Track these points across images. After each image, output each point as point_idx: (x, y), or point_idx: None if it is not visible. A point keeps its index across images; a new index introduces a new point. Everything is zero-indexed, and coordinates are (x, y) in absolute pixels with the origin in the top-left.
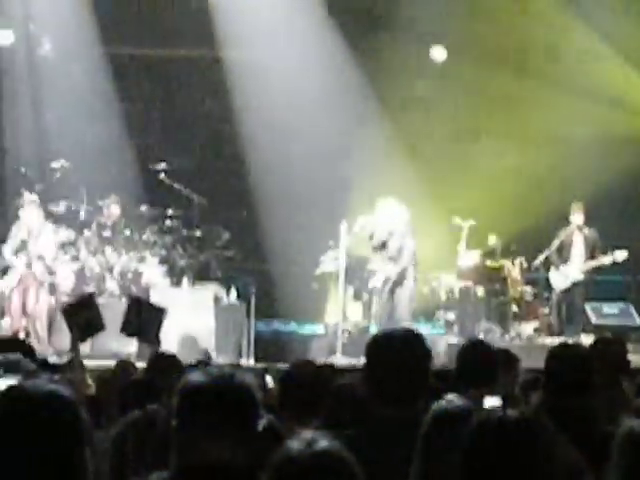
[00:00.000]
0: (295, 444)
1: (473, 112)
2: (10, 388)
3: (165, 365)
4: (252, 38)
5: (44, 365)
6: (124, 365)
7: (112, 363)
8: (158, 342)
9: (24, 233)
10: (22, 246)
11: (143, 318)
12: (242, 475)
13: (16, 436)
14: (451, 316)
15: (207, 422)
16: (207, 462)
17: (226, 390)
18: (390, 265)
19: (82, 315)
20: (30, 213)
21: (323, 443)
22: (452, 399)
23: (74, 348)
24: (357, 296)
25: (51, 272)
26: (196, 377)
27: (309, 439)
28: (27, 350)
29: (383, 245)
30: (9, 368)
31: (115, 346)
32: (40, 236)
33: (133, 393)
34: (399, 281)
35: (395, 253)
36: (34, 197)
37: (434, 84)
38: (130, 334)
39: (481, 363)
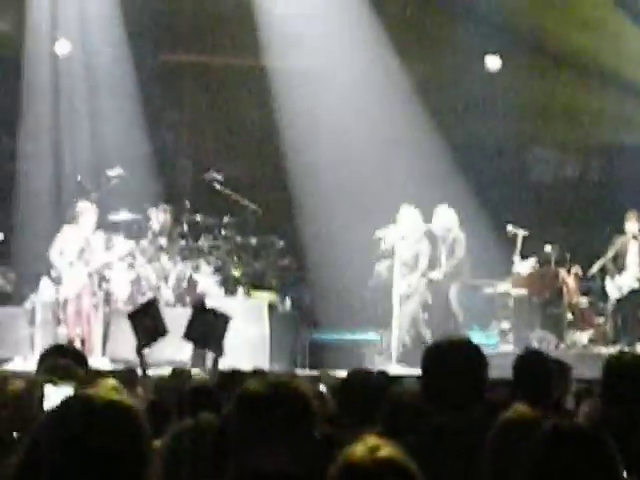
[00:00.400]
0: (358, 450)
1: (527, 120)
2: (73, 397)
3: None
4: (302, 46)
5: (97, 373)
6: (180, 372)
7: (167, 370)
8: (222, 350)
9: (81, 241)
10: (79, 255)
11: (208, 326)
12: None
13: (79, 445)
14: (505, 325)
15: (264, 429)
16: (264, 469)
17: (283, 397)
18: (406, 271)
19: (146, 321)
20: (85, 222)
21: (386, 449)
22: (519, 409)
23: (140, 355)
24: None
25: (107, 280)
26: (253, 385)
27: (372, 445)
28: (78, 357)
29: (392, 251)
30: (61, 374)
31: (170, 353)
32: (95, 245)
33: (189, 401)
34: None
35: (410, 260)
36: (89, 205)
37: (488, 93)
38: (194, 341)
39: (536, 373)
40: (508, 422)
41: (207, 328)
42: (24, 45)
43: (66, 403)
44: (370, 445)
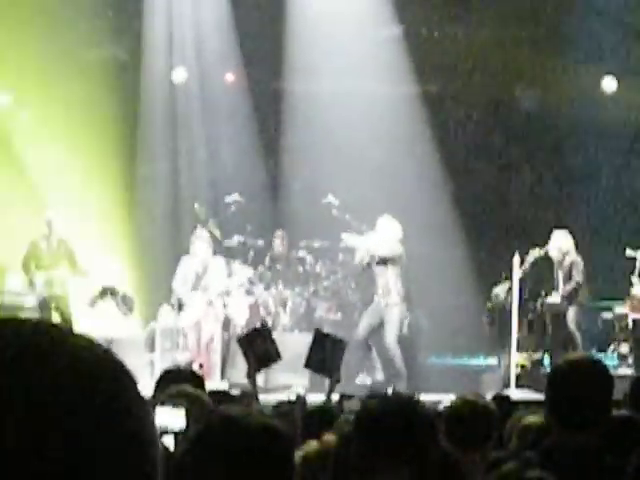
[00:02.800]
0: (509, 468)
1: None
2: (222, 420)
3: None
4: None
5: (220, 397)
6: (298, 398)
7: (285, 396)
8: (339, 376)
9: (198, 267)
10: (197, 281)
11: (326, 352)
12: None
13: (231, 470)
14: (624, 348)
15: (386, 449)
16: None
17: (407, 417)
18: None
19: (258, 345)
20: (201, 247)
21: (536, 470)
22: None
23: (251, 379)
24: (531, 328)
25: (226, 306)
26: (376, 404)
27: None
28: (197, 382)
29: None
30: (178, 398)
31: (287, 379)
32: (213, 270)
33: (307, 424)
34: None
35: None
36: (205, 232)
37: (605, 114)
38: (314, 369)
39: None
40: None
41: (325, 355)
42: (141, 72)
43: (213, 426)
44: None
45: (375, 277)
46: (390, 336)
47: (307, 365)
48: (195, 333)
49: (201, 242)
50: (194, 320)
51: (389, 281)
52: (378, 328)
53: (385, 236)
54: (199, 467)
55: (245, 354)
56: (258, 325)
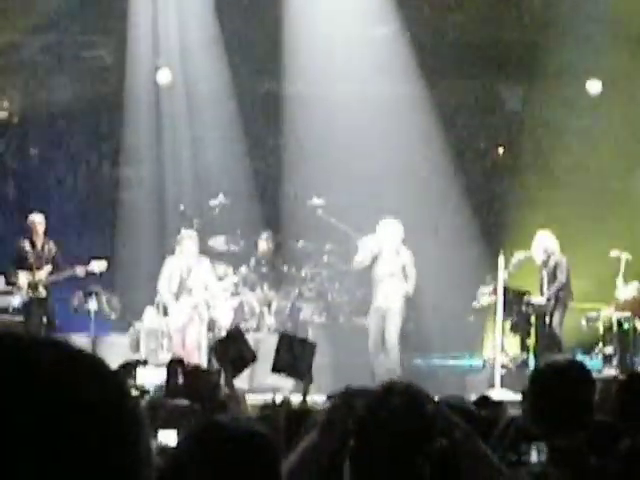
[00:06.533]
0: None
1: (630, 145)
2: (209, 426)
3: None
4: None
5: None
6: (283, 401)
7: (270, 397)
8: (310, 378)
9: (183, 268)
10: (182, 283)
11: (294, 354)
12: None
13: (217, 477)
14: (609, 349)
15: (383, 449)
16: None
17: (406, 417)
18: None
19: (232, 350)
20: (187, 248)
21: None
22: None
23: (229, 385)
24: (515, 329)
25: (210, 308)
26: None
27: None
28: None
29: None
30: None
31: (273, 380)
32: (198, 271)
33: (287, 428)
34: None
35: (397, 272)
36: (191, 232)
37: (590, 117)
38: (281, 371)
39: None
40: None
41: (295, 356)
42: (126, 75)
43: (201, 431)
44: None
45: (375, 279)
46: (395, 337)
47: (274, 369)
48: (180, 335)
49: (187, 242)
50: (180, 322)
51: (392, 283)
52: (383, 331)
53: (390, 238)
54: (186, 475)
55: (220, 361)
56: (230, 328)
